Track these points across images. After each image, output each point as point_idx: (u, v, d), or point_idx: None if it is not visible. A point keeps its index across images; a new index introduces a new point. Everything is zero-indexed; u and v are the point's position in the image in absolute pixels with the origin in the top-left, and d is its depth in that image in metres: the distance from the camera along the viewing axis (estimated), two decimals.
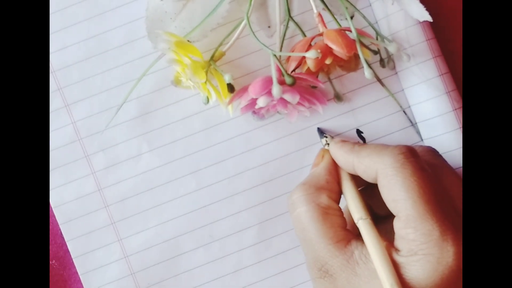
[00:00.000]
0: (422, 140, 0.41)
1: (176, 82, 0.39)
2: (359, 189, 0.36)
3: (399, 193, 0.31)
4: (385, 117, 0.42)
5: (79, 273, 0.41)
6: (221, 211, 0.42)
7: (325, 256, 0.33)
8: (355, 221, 0.34)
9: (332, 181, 0.36)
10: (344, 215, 0.35)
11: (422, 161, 0.32)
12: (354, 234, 0.34)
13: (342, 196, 0.36)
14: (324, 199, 0.34)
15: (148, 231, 0.41)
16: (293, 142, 0.42)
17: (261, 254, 0.42)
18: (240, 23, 0.39)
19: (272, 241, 0.42)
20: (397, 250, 0.31)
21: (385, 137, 0.42)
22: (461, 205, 0.32)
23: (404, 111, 0.42)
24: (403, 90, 0.41)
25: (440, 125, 0.39)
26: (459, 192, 0.33)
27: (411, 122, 0.42)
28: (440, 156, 0.36)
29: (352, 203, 0.35)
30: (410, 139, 0.42)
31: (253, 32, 0.37)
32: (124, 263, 0.41)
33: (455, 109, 0.39)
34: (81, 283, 0.41)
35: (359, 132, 0.42)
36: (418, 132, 0.41)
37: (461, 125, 0.39)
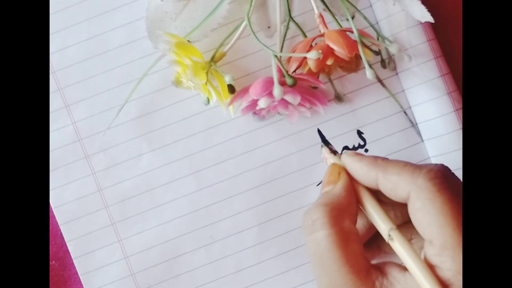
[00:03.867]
0: (422, 141, 0.41)
1: (177, 83, 0.39)
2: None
3: (436, 219, 0.30)
4: (386, 117, 0.42)
5: (79, 274, 0.41)
6: (221, 212, 0.42)
7: (346, 286, 0.31)
8: (385, 232, 0.32)
9: (353, 203, 0.34)
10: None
11: (457, 186, 0.31)
12: (371, 263, 0.32)
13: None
14: (347, 223, 0.32)
15: (148, 232, 0.41)
16: (293, 142, 0.42)
17: (262, 255, 0.41)
18: (240, 23, 0.39)
19: (272, 242, 0.42)
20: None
21: (386, 138, 0.42)
22: None
23: (404, 112, 0.42)
24: (403, 90, 0.41)
25: (441, 125, 0.39)
26: None
27: (411, 123, 0.41)
28: (454, 175, 0.35)
29: (376, 216, 0.33)
30: (410, 140, 0.41)
31: (253, 33, 0.37)
32: (124, 263, 0.41)
33: (456, 110, 0.39)
34: (81, 284, 0.41)
35: (359, 133, 0.42)
36: (419, 133, 0.41)
37: (462, 126, 0.39)
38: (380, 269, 0.32)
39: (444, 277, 0.29)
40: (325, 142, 0.39)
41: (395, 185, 0.32)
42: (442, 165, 0.32)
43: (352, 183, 0.34)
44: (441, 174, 0.31)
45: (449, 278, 0.29)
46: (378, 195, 0.34)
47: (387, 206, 0.33)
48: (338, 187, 0.34)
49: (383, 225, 0.32)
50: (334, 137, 0.42)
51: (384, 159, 0.34)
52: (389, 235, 0.32)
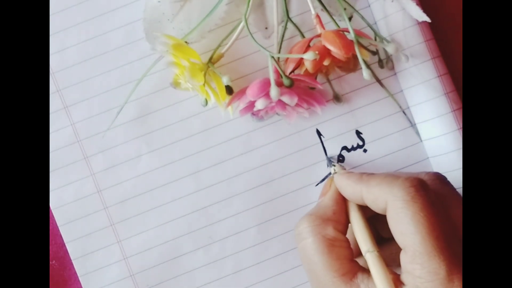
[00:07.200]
0: (421, 141, 0.41)
1: (175, 84, 0.39)
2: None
3: (408, 227, 0.30)
4: (385, 118, 0.42)
5: (78, 275, 0.41)
6: (220, 212, 0.42)
7: None
8: (363, 253, 0.34)
9: (339, 211, 0.35)
10: (351, 244, 0.35)
11: (432, 195, 0.32)
12: (360, 266, 0.33)
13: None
14: (330, 231, 0.34)
15: (148, 233, 0.41)
16: (292, 143, 0.42)
17: (261, 255, 0.42)
18: (238, 24, 0.39)
19: (271, 242, 0.42)
20: (402, 284, 0.31)
21: (385, 138, 0.41)
22: None
23: (403, 112, 0.41)
24: (402, 91, 0.41)
25: (438, 126, 0.39)
26: None
27: (410, 123, 0.41)
28: (448, 183, 0.36)
29: (359, 235, 0.34)
30: (409, 140, 0.41)
31: (251, 34, 0.37)
32: (123, 264, 0.41)
33: (454, 110, 0.39)
34: (81, 284, 0.41)
35: (358, 133, 0.42)
36: (417, 133, 0.41)
37: (459, 126, 0.39)
38: (368, 273, 0.33)
39: (414, 284, 0.30)
40: (330, 161, 0.41)
41: (376, 197, 0.33)
42: (419, 178, 0.32)
43: (343, 197, 0.36)
44: (416, 182, 0.32)
45: (418, 286, 0.30)
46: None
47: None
48: (326, 198, 0.36)
49: (363, 246, 0.34)
50: (333, 137, 0.42)
51: (370, 174, 0.35)
52: (366, 256, 0.33)
